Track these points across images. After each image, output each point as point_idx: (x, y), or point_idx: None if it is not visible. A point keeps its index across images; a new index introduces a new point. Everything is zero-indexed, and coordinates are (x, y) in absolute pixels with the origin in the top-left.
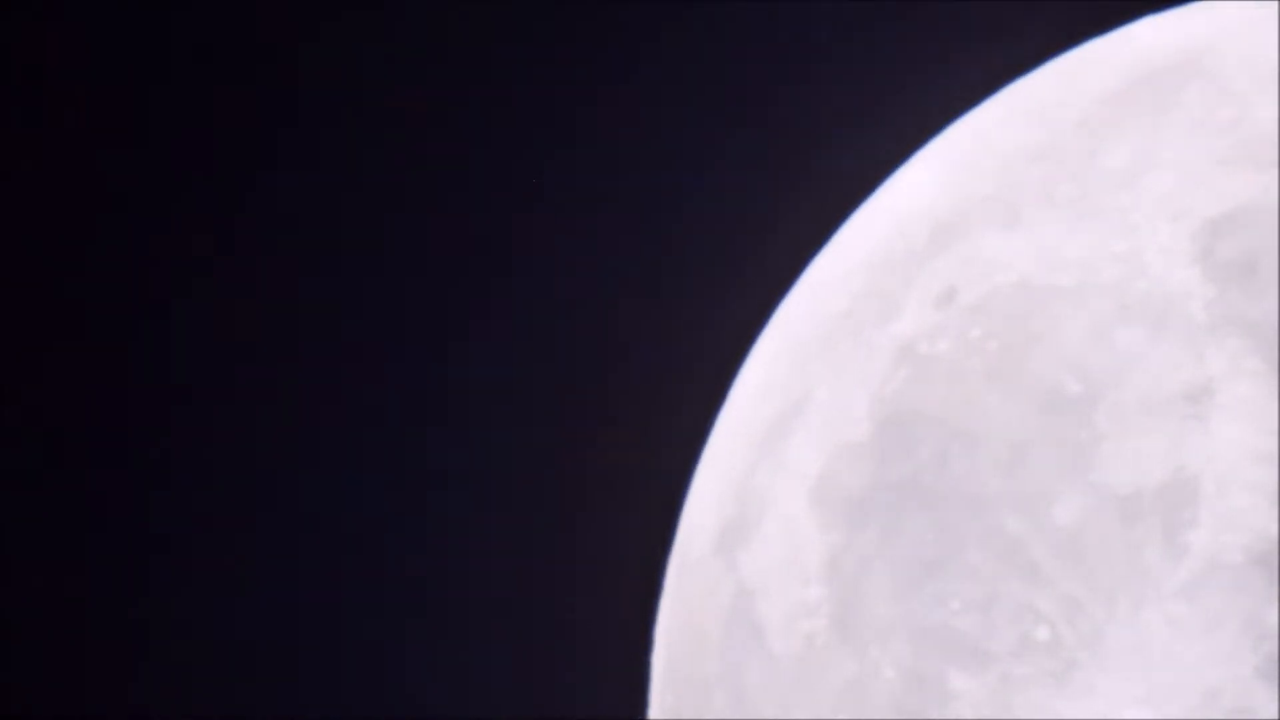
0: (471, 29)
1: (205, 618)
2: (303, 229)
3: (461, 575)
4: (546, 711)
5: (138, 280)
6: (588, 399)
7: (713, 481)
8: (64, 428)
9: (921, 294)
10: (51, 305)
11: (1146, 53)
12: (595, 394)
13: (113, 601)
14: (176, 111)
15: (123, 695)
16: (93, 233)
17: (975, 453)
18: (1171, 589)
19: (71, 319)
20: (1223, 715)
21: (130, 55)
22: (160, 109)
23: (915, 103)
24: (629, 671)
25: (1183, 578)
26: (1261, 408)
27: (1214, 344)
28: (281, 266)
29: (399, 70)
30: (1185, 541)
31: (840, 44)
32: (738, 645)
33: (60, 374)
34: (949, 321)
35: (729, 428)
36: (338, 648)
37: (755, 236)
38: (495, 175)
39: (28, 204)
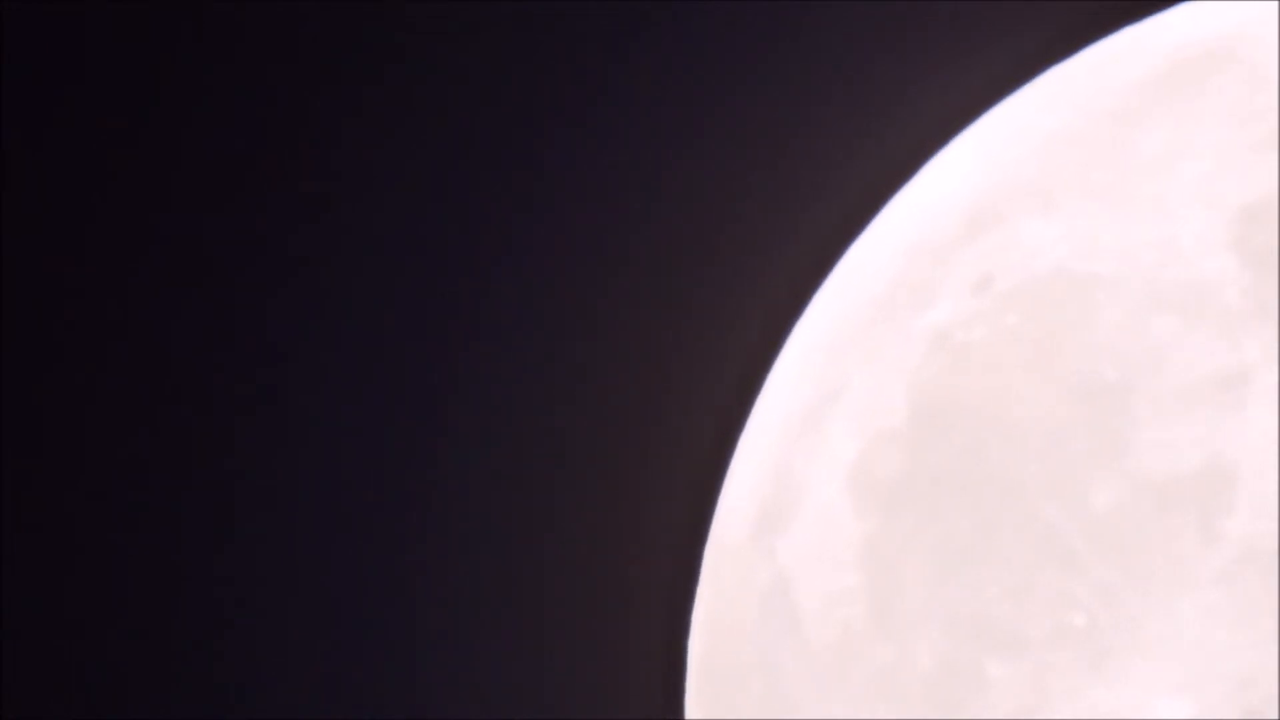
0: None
1: (225, 623)
2: (302, 228)
3: (494, 566)
4: (581, 701)
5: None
6: (624, 385)
7: (750, 468)
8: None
9: (957, 281)
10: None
11: (1181, 40)
12: (632, 381)
13: (102, 604)
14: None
15: (114, 695)
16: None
17: (1011, 440)
18: (1207, 576)
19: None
20: (1259, 702)
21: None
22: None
23: (951, 90)
24: (665, 659)
25: (1218, 565)
26: None
27: (1249, 331)
28: (281, 265)
29: (412, 59)
30: (1221, 529)
31: (876, 29)
32: (774, 632)
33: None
34: (985, 309)
35: (766, 415)
36: (358, 641)
37: (792, 224)
38: (533, 165)
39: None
